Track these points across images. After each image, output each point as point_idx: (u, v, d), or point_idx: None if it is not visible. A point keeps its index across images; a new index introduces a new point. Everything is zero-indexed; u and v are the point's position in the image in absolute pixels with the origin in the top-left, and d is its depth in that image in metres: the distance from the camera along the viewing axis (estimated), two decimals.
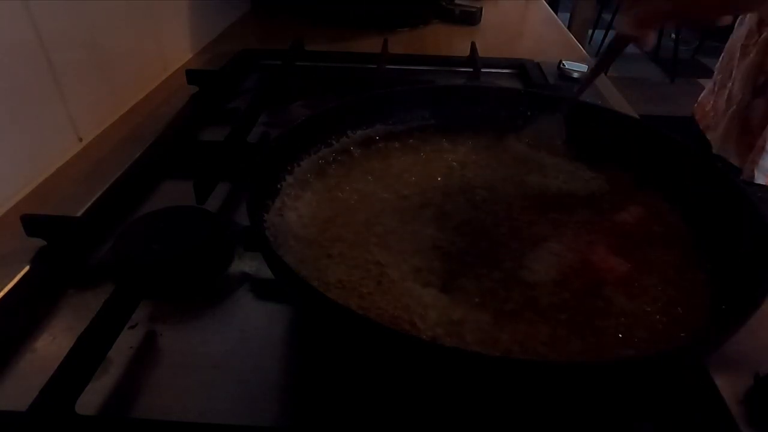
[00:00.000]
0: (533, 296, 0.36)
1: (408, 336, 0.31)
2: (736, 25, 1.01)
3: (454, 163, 0.51)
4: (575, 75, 0.83)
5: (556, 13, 1.33)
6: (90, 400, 0.34)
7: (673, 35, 3.55)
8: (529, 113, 0.54)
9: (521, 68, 0.86)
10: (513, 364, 0.29)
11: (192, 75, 0.77)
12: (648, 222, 0.43)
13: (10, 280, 0.42)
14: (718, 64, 1.04)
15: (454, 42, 1.08)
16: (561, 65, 0.85)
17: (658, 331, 0.34)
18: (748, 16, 0.90)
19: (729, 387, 0.35)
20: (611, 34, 3.64)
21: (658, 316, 0.35)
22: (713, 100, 1.02)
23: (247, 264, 0.46)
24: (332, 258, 0.39)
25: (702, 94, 1.08)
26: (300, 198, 0.45)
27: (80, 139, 0.63)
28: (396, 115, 0.55)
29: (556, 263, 0.39)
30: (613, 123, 0.51)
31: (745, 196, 0.39)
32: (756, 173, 0.93)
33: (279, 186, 0.45)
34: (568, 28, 1.26)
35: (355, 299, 0.35)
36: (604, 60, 0.54)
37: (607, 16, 3.85)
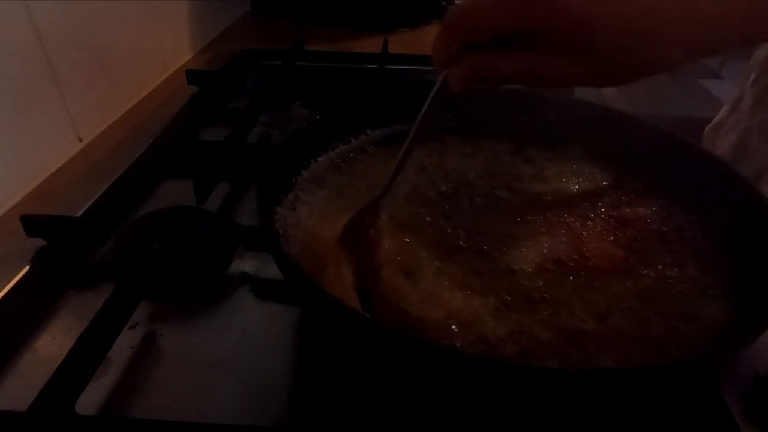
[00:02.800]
0: (530, 286, 0.37)
1: (413, 339, 0.31)
2: None
3: (470, 163, 0.51)
4: None
5: None
6: (90, 400, 0.34)
7: None
8: (551, 117, 0.54)
9: None
10: (518, 370, 0.29)
11: (192, 75, 0.77)
12: (660, 224, 0.43)
13: (10, 280, 0.42)
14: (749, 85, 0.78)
15: None
16: None
17: (662, 337, 0.34)
18: None
19: (729, 387, 0.35)
20: None
21: (665, 320, 0.35)
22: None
23: (247, 264, 0.46)
24: None
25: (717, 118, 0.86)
26: (314, 193, 0.45)
27: (80, 139, 0.63)
28: (416, 114, 0.55)
29: (566, 257, 0.39)
30: (630, 127, 0.50)
31: (764, 202, 0.38)
32: None
33: (294, 180, 0.45)
34: None
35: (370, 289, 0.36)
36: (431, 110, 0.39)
37: None
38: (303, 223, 0.42)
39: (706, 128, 0.87)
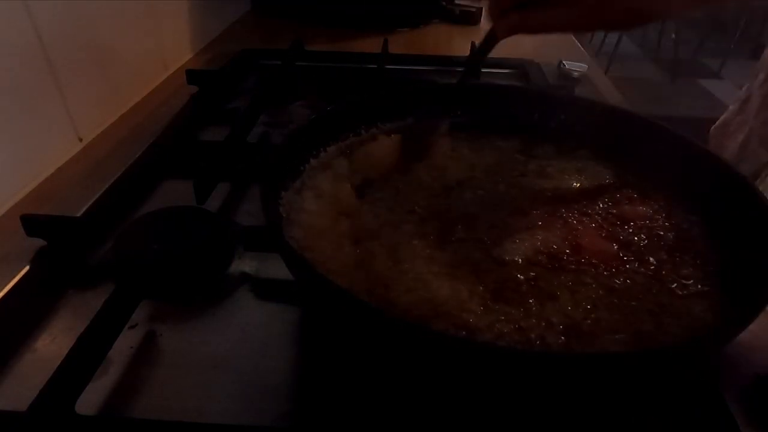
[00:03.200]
0: (520, 278, 0.37)
1: (412, 325, 0.31)
2: None
3: (477, 158, 0.51)
4: (575, 75, 0.83)
5: None
6: (90, 400, 0.34)
7: (674, 35, 3.55)
8: (562, 116, 0.54)
9: (521, 68, 0.86)
10: (522, 356, 0.30)
11: (192, 75, 0.77)
12: (658, 223, 0.43)
13: (10, 280, 0.42)
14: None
15: (454, 42, 1.08)
16: (561, 65, 0.85)
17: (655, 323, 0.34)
18: None
19: (729, 387, 0.35)
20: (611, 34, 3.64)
21: (653, 317, 0.35)
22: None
23: (247, 264, 0.46)
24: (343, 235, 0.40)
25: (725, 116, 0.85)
26: (321, 180, 0.46)
27: (80, 139, 0.63)
28: (428, 109, 0.54)
29: (558, 251, 0.39)
30: (638, 127, 0.50)
31: (764, 204, 0.38)
32: None
33: (302, 168, 0.46)
34: None
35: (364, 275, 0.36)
36: (482, 50, 0.50)
37: None
38: (307, 207, 0.42)
39: (712, 127, 0.87)
